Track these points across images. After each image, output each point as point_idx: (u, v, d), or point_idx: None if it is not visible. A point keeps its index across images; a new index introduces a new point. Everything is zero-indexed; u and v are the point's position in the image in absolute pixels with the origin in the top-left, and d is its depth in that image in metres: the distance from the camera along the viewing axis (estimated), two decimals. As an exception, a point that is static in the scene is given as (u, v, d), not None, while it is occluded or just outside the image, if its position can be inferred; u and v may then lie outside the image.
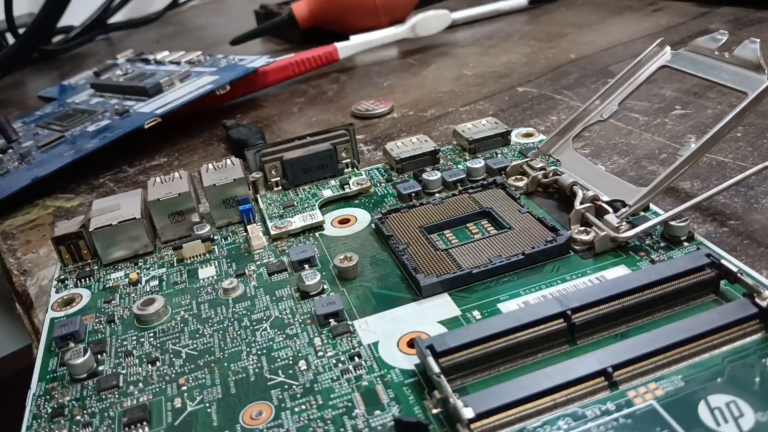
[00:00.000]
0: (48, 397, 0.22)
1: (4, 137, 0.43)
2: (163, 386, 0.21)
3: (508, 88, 0.44)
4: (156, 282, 0.27)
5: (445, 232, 0.27)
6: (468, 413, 0.17)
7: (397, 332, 0.22)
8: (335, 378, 0.21)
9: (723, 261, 0.21)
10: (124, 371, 0.22)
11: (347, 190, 0.31)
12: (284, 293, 0.25)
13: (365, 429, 0.19)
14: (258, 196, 0.32)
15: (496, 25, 0.61)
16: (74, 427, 0.20)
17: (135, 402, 0.21)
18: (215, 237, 0.29)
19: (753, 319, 0.20)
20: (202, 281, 0.27)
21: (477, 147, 0.33)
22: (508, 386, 0.18)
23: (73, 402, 0.21)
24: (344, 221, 0.29)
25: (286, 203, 0.31)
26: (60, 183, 0.40)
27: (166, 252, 0.29)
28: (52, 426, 0.20)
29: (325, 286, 0.25)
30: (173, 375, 0.22)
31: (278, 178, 0.32)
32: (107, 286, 0.27)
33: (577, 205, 0.26)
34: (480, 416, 0.17)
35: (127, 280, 0.27)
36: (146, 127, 0.38)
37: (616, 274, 0.23)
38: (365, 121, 0.43)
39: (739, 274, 0.21)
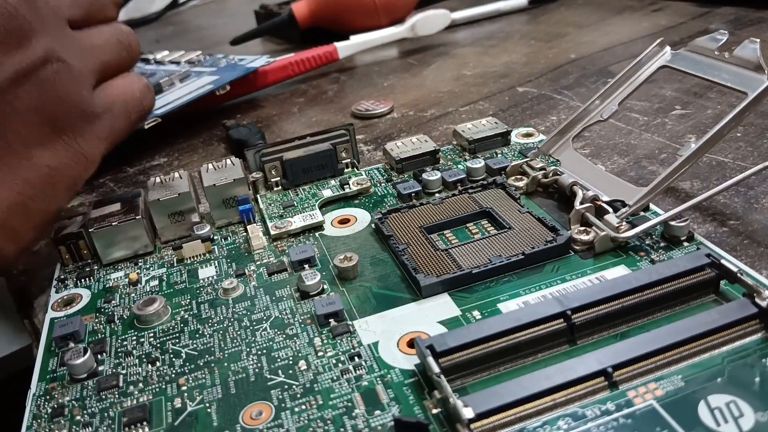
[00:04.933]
0: (48, 397, 0.22)
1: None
2: (163, 386, 0.21)
3: (508, 88, 0.44)
4: (156, 282, 0.27)
5: (445, 232, 0.27)
6: (468, 413, 0.17)
7: (397, 332, 0.22)
8: (335, 378, 0.21)
9: (723, 261, 0.21)
10: (124, 371, 0.22)
11: (347, 190, 0.31)
12: (284, 293, 0.25)
13: (365, 429, 0.19)
14: (258, 196, 0.32)
15: (496, 25, 0.61)
16: (74, 427, 0.20)
17: (135, 402, 0.21)
18: (215, 237, 0.29)
19: (753, 319, 0.20)
20: (202, 281, 0.27)
21: (477, 147, 0.33)
22: (508, 386, 0.18)
23: (73, 402, 0.21)
24: (344, 221, 0.29)
25: (286, 203, 0.31)
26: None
27: (166, 252, 0.29)
28: (52, 426, 0.20)
29: (325, 286, 0.25)
30: (173, 375, 0.22)
31: (278, 178, 0.32)
32: (107, 286, 0.27)
33: (577, 205, 0.26)
34: (480, 416, 0.17)
35: (127, 280, 0.27)
36: (146, 127, 0.38)
37: (616, 274, 0.23)
38: (365, 121, 0.43)
39: (739, 274, 0.21)
